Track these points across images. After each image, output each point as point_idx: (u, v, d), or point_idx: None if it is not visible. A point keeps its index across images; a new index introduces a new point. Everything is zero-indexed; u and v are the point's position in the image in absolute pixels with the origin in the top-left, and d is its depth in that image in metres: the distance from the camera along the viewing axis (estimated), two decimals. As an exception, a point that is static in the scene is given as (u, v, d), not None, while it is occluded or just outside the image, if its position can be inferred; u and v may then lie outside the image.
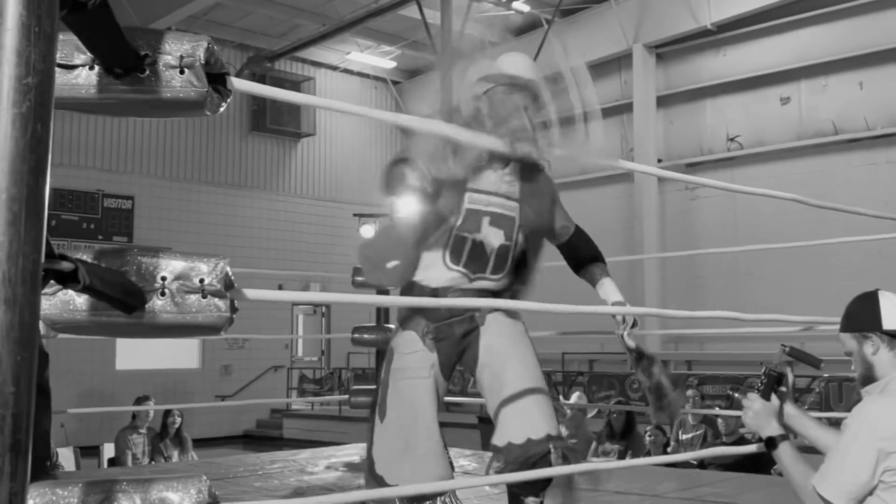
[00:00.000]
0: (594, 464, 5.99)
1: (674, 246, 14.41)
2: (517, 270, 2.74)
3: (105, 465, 8.18)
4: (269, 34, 16.88)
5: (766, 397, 2.46)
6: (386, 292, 5.03)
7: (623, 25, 15.08)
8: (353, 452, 5.62)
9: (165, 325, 1.33)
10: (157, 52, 1.33)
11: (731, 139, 14.63)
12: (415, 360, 2.62)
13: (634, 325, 2.70)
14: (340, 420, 13.57)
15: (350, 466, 5.11)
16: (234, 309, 1.39)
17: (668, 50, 15.32)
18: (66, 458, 7.67)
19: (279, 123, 17.33)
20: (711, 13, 14.10)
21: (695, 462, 6.38)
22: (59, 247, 1.12)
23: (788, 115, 13.99)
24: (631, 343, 2.69)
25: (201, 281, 1.34)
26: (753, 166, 14.15)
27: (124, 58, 1.31)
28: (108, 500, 1.17)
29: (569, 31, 15.71)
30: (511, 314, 2.69)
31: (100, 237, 14.89)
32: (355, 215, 14.83)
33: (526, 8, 14.78)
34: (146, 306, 1.30)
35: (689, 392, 8.07)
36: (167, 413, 7.96)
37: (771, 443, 2.39)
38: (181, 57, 1.33)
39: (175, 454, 7.80)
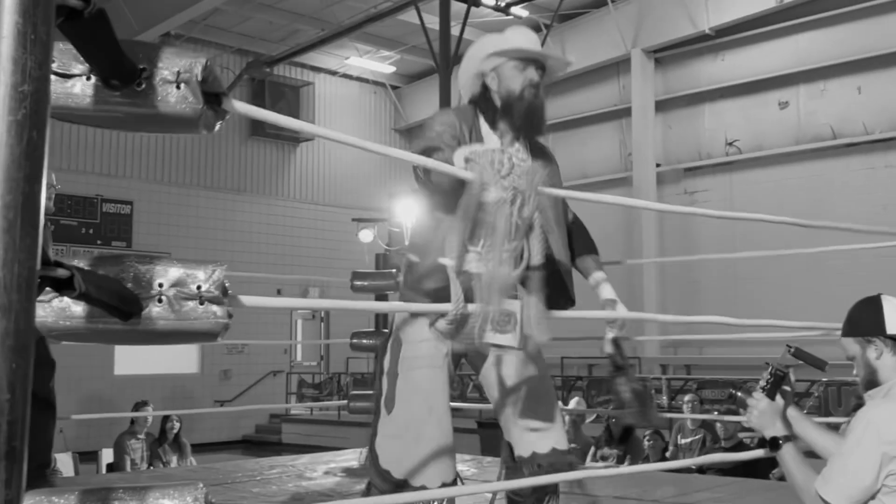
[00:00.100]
0: (593, 469, 5.99)
1: (672, 251, 14.43)
2: None
3: (104, 471, 8.17)
4: (268, 39, 16.89)
5: (772, 397, 2.45)
6: (384, 297, 5.03)
7: (622, 30, 15.10)
8: (352, 458, 5.62)
9: (162, 332, 1.33)
10: (154, 66, 1.33)
11: (730, 143, 14.65)
12: (428, 348, 2.52)
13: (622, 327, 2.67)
14: (339, 425, 13.56)
15: (349, 472, 5.10)
16: (230, 315, 1.39)
17: (666, 55, 15.35)
18: (64, 463, 7.66)
19: (278, 128, 17.34)
20: (710, 18, 14.13)
21: (693, 467, 6.38)
22: (57, 252, 1.12)
23: (787, 120, 14.01)
24: (609, 349, 2.66)
25: (198, 288, 1.34)
26: (752, 171, 14.18)
27: (121, 69, 1.31)
28: (104, 508, 1.17)
29: (567, 36, 15.74)
30: None
31: (99, 242, 14.89)
32: (354, 220, 14.82)
33: (525, 13, 14.80)
34: (143, 313, 1.30)
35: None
36: (166, 418, 7.97)
37: (774, 443, 2.38)
38: (178, 72, 1.34)
39: (174, 459, 7.80)
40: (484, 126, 2.56)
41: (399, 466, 2.47)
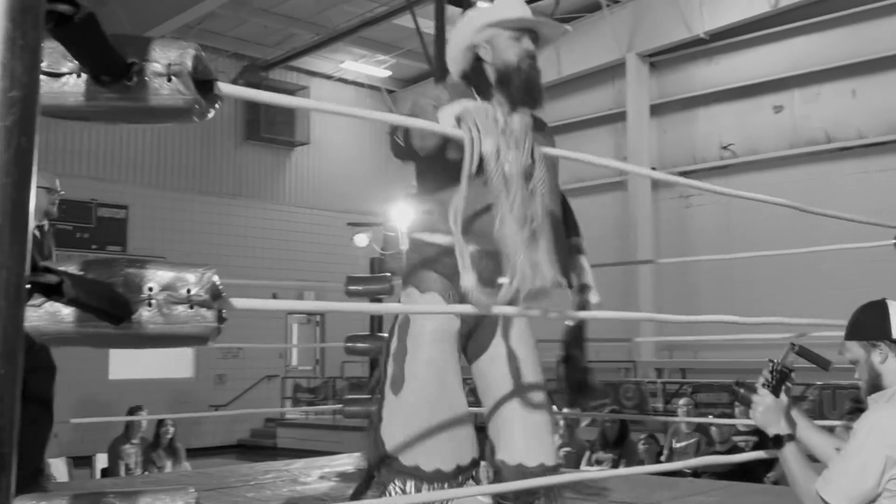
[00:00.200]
0: (588, 473, 5.99)
1: (668, 253, 14.43)
2: None
3: (98, 476, 8.14)
4: (263, 43, 16.89)
5: (777, 394, 2.43)
6: (379, 300, 5.02)
7: (616, 34, 15.13)
8: (347, 462, 5.61)
9: (152, 335, 1.33)
10: (144, 59, 1.33)
11: (725, 147, 14.68)
12: (438, 323, 2.41)
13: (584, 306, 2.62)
14: (335, 429, 13.53)
15: (343, 476, 5.09)
16: (221, 319, 1.38)
17: (661, 59, 15.37)
18: (58, 468, 7.63)
19: (273, 132, 17.35)
20: (704, 22, 14.16)
21: (688, 470, 6.38)
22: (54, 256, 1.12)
23: (781, 124, 14.04)
24: (569, 323, 2.65)
25: (188, 291, 1.33)
26: (747, 174, 14.19)
27: (112, 66, 1.30)
28: (94, 513, 1.17)
29: (562, 40, 15.74)
30: None
31: (94, 246, 14.86)
32: (349, 224, 14.80)
33: (519, 17, 14.79)
34: (133, 317, 1.30)
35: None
36: (160, 423, 7.94)
37: (777, 441, 2.36)
38: (168, 65, 1.33)
39: (168, 464, 7.78)
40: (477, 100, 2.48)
41: (409, 451, 2.33)
